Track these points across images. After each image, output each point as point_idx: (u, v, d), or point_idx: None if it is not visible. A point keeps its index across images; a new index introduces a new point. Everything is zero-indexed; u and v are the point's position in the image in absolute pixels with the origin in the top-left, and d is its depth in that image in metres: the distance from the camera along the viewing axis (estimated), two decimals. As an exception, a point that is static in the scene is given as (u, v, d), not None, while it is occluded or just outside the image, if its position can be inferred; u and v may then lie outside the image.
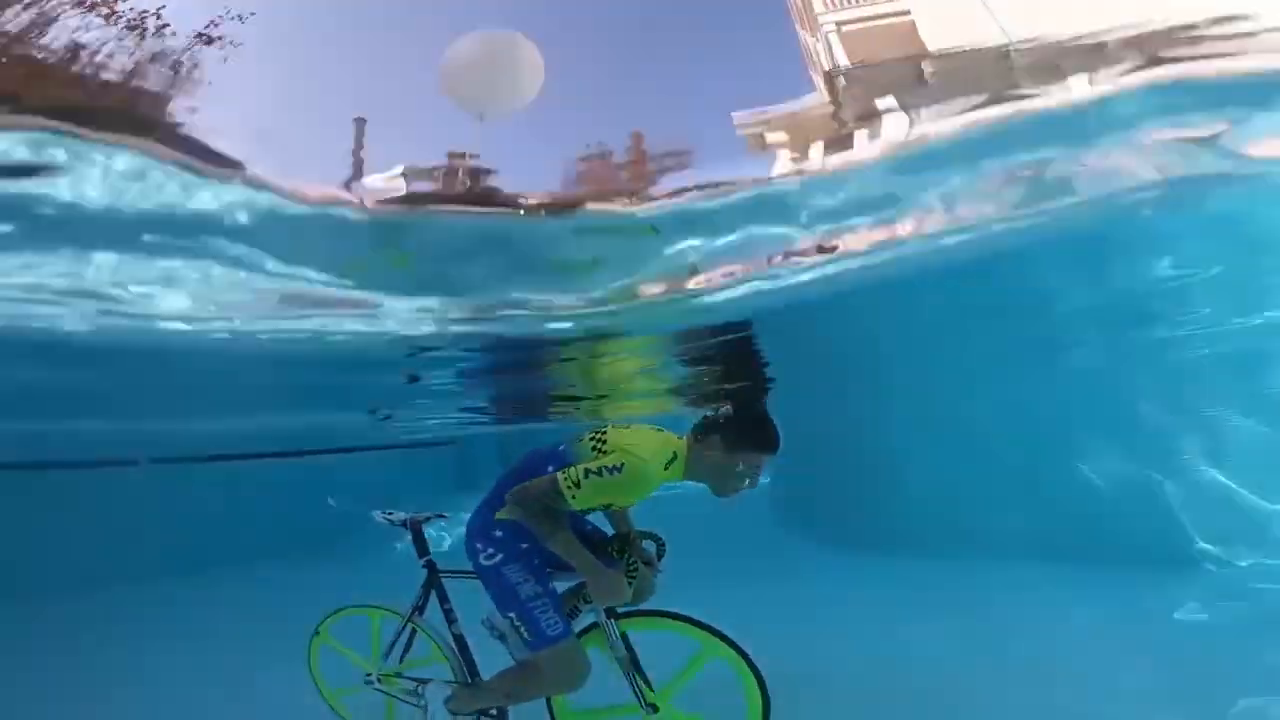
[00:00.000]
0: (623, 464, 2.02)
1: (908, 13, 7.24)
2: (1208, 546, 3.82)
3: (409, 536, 2.64)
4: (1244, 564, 3.72)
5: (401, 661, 2.64)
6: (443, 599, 2.58)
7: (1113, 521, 3.95)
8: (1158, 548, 3.83)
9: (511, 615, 2.17)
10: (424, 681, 2.59)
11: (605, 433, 2.17)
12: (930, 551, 4.02)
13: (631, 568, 2.33)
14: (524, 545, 2.20)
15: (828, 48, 7.97)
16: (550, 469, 2.12)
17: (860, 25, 7.71)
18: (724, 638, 2.24)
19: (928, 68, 6.89)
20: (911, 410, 5.15)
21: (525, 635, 2.15)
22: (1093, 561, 3.67)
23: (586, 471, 2.02)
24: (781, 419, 2.14)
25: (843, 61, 7.61)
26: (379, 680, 2.65)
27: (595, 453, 2.11)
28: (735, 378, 5.78)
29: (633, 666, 2.30)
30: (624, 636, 2.30)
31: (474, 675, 2.54)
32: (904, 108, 6.88)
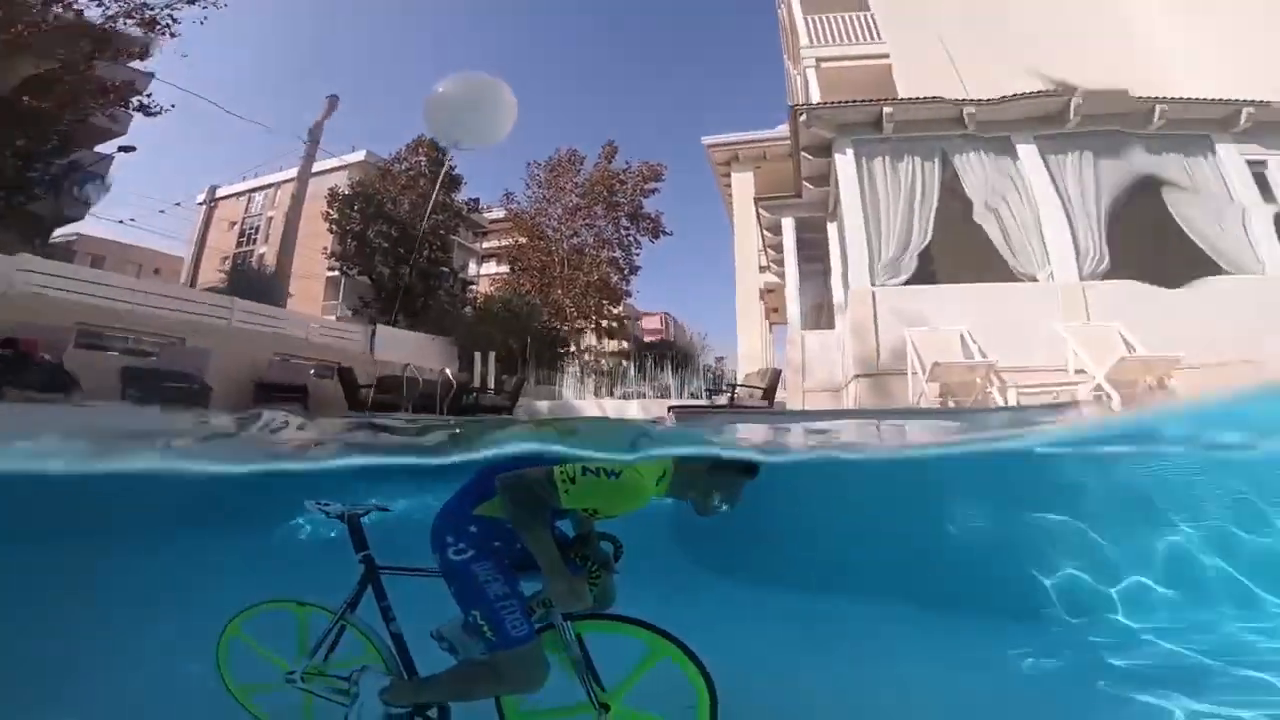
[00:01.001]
0: (621, 470, 2.02)
1: (885, 56, 9.81)
2: (1055, 600, 3.99)
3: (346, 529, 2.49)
4: (1085, 620, 3.90)
5: (326, 660, 2.49)
6: (380, 595, 2.46)
7: (969, 570, 4.11)
8: (1009, 599, 4.01)
9: (475, 613, 2.10)
10: (360, 670, 2.42)
11: (580, 464, 2.12)
12: (800, 585, 4.19)
13: (595, 575, 2.31)
14: (496, 544, 2.15)
15: (805, 82, 12.85)
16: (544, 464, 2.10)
17: (838, 64, 12.65)
18: (672, 639, 2.25)
19: (890, 113, 8.24)
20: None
21: (489, 634, 2.08)
22: (950, 606, 3.80)
23: (584, 469, 2.02)
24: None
25: (815, 96, 12.39)
26: (302, 678, 2.47)
27: (565, 478, 2.06)
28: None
29: (586, 668, 2.28)
30: (579, 638, 2.29)
31: (411, 675, 2.42)
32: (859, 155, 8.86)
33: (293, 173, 21.67)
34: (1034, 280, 7.61)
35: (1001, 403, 6.54)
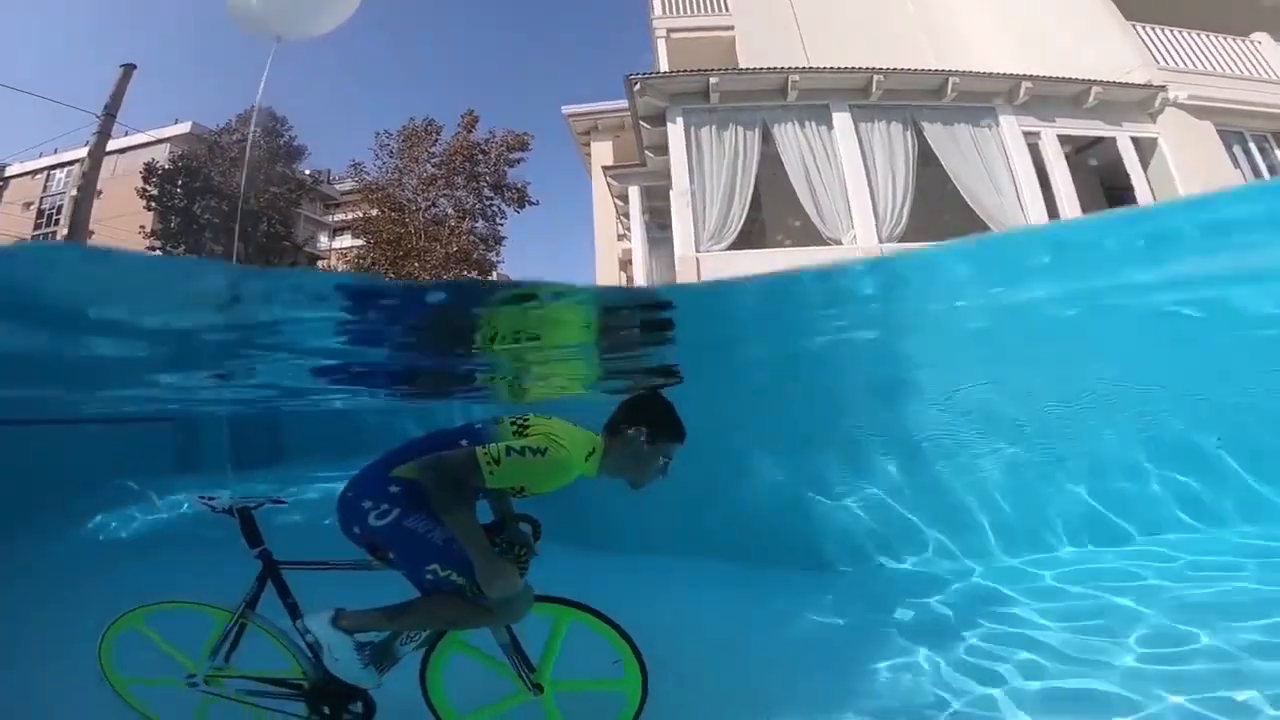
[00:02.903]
0: (546, 448, 1.97)
1: (730, 28, 10.36)
2: (845, 555, 4.43)
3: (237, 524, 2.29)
4: (877, 570, 4.36)
5: (228, 661, 2.33)
6: (283, 593, 2.28)
7: (774, 529, 4.55)
8: (806, 554, 4.42)
9: (434, 567, 1.98)
10: (299, 620, 2.24)
11: (527, 419, 2.10)
12: (630, 549, 4.61)
13: (521, 558, 2.19)
14: (418, 499, 2.00)
15: (655, 52, 12.90)
16: (464, 444, 2.01)
17: (687, 35, 12.77)
18: (572, 604, 2.27)
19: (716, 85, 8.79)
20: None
21: (459, 580, 1.98)
22: (758, 563, 4.24)
23: (509, 449, 1.94)
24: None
25: (664, 66, 12.55)
26: (205, 681, 2.31)
27: (516, 435, 2.03)
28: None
29: (514, 650, 2.25)
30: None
31: (324, 675, 2.21)
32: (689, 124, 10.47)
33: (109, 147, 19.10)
34: (839, 244, 8.20)
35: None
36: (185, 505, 6.66)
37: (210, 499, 2.35)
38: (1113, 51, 9.85)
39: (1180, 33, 10.13)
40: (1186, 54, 9.94)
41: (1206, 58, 9.96)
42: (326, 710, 2.26)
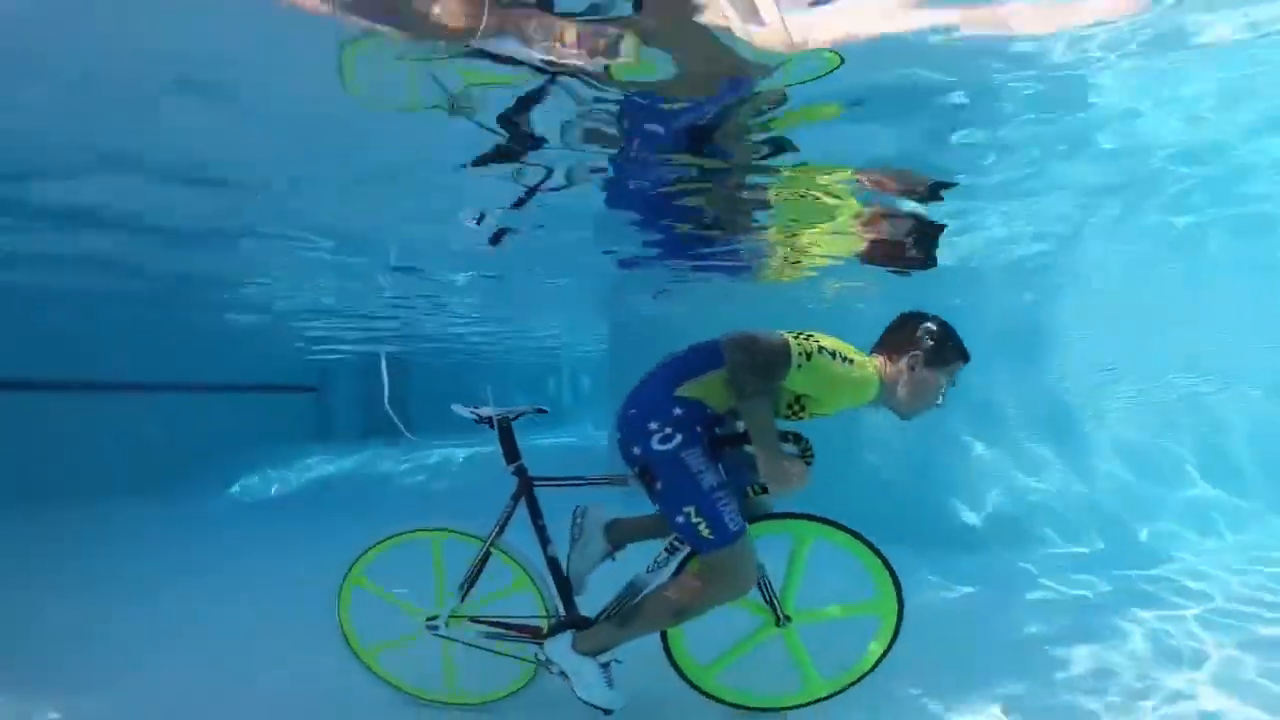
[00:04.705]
0: (855, 359, 1.85)
1: None
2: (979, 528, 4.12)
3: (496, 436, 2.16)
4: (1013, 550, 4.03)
5: (464, 600, 2.20)
6: (535, 514, 2.16)
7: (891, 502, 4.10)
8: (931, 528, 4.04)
9: (690, 510, 1.86)
10: (538, 647, 2.13)
11: (812, 333, 1.89)
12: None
13: (808, 455, 2.01)
14: (699, 429, 1.91)
15: None
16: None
17: None
18: (814, 518, 2.09)
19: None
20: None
21: (705, 533, 1.86)
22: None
23: (821, 348, 1.80)
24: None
25: None
26: (446, 624, 2.19)
27: (800, 351, 1.81)
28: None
29: (762, 575, 2.08)
30: None
31: (569, 608, 2.16)
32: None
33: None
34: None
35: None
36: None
37: (476, 409, 2.20)
38: None
39: None
40: None
41: None
42: None
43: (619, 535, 2.24)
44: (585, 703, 2.05)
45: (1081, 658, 2.67)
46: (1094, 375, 4.66)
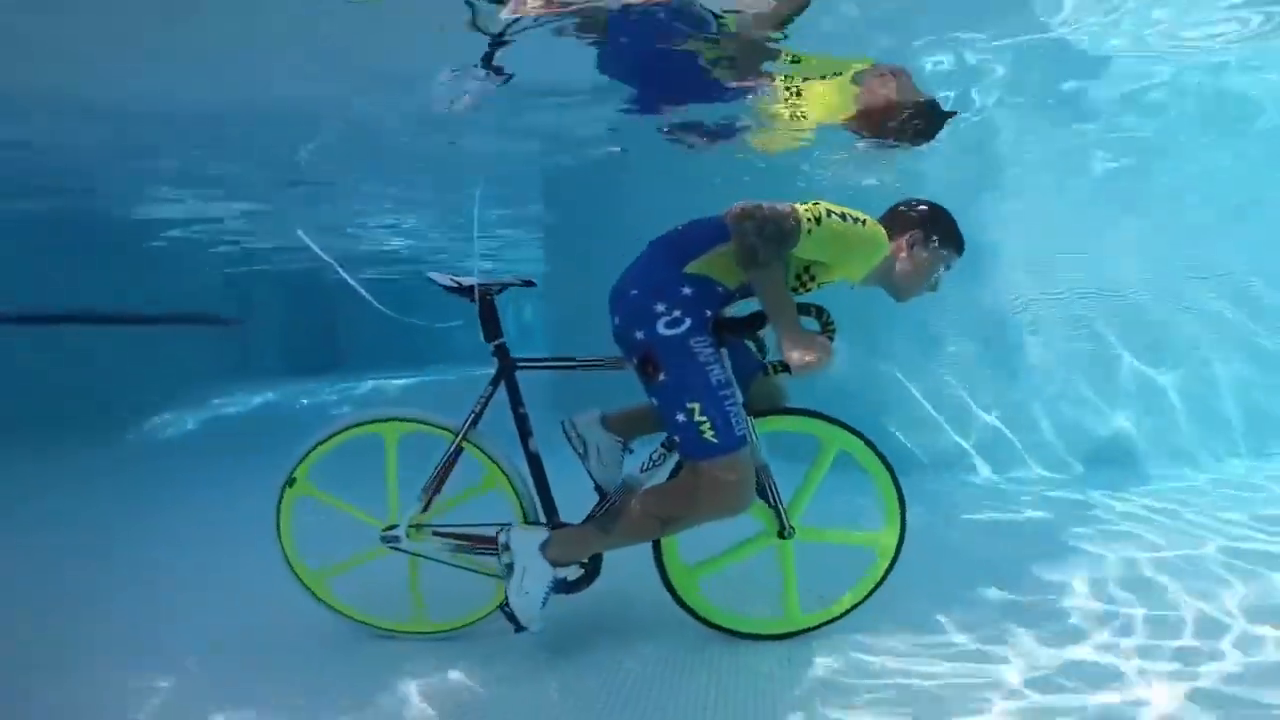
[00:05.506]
0: (865, 219, 1.71)
1: None
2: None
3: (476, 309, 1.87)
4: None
5: (430, 506, 1.92)
6: (516, 401, 1.89)
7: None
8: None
9: (694, 407, 1.66)
10: (504, 528, 1.86)
11: (819, 200, 1.72)
12: None
13: (829, 328, 1.86)
14: (708, 313, 1.75)
15: None
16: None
17: None
18: (846, 426, 1.93)
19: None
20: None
21: (708, 434, 1.66)
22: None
23: (829, 211, 1.66)
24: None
25: None
26: (408, 534, 1.90)
27: (810, 216, 1.65)
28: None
29: (769, 478, 1.91)
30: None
31: (550, 514, 1.93)
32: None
33: None
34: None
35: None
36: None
37: (456, 278, 1.89)
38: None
39: None
40: None
41: None
42: None
43: (621, 428, 2.01)
44: (506, 607, 1.82)
45: (1031, 579, 2.48)
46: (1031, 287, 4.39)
